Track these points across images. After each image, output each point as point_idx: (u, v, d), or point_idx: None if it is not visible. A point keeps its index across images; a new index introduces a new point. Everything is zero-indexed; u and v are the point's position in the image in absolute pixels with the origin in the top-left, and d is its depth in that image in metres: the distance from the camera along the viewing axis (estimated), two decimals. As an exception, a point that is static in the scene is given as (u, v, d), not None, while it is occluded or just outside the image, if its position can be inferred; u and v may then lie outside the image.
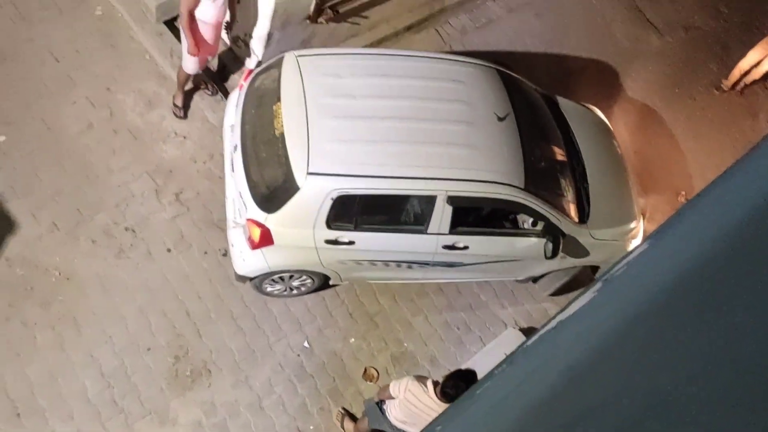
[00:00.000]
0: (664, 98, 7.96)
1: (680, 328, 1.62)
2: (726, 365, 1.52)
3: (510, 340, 5.78)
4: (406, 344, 5.96)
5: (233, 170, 5.31)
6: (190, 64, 5.86)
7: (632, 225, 6.06)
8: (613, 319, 1.77)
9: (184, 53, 5.78)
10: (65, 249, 5.60)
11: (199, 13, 5.52)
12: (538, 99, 6.15)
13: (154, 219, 5.88)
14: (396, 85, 5.37)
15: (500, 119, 5.40)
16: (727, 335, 1.55)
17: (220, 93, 6.58)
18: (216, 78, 6.71)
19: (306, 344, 5.74)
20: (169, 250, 5.79)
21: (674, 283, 1.67)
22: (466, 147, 5.22)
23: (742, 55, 7.89)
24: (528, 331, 6.00)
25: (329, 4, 6.42)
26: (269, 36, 6.19)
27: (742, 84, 8.05)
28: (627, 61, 8.11)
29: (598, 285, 2.38)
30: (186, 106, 6.35)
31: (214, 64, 6.66)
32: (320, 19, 6.47)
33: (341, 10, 6.59)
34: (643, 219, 6.31)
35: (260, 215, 5.02)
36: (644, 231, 6.19)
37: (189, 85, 6.32)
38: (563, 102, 6.43)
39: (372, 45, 7.15)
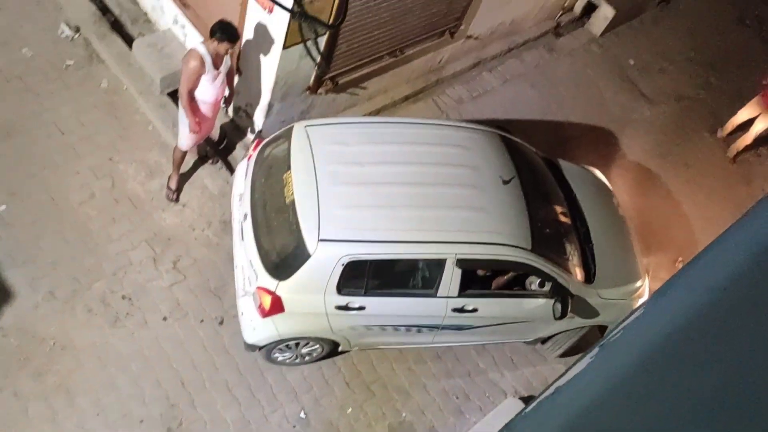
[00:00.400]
0: (659, 165, 8.08)
1: (673, 382, 1.62)
2: (715, 417, 1.52)
3: (509, 409, 5.66)
4: (404, 414, 5.84)
5: (242, 239, 5.36)
6: (188, 141, 5.94)
7: (638, 284, 6.07)
8: (609, 381, 1.77)
9: (182, 130, 5.86)
10: (61, 318, 5.57)
11: (199, 93, 5.63)
12: (540, 162, 6.27)
13: (151, 287, 5.87)
14: (402, 151, 5.48)
15: (505, 182, 5.50)
16: (715, 388, 1.55)
17: (221, 161, 6.68)
18: (216, 147, 6.82)
19: (302, 414, 5.62)
20: (165, 319, 5.75)
21: (667, 343, 1.69)
22: (473, 210, 5.28)
23: (728, 130, 8.17)
24: (527, 400, 5.88)
25: (329, 75, 6.59)
26: (270, 106, 6.34)
27: (735, 151, 8.21)
28: (621, 130, 8.26)
29: (595, 350, 2.37)
30: (179, 189, 6.38)
31: (215, 134, 6.78)
32: (320, 90, 6.63)
33: (340, 81, 6.77)
34: (648, 278, 6.32)
35: (271, 283, 5.02)
36: (649, 290, 6.18)
37: (184, 168, 6.39)
38: (564, 164, 6.57)
39: (370, 114, 7.31)
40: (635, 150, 8.13)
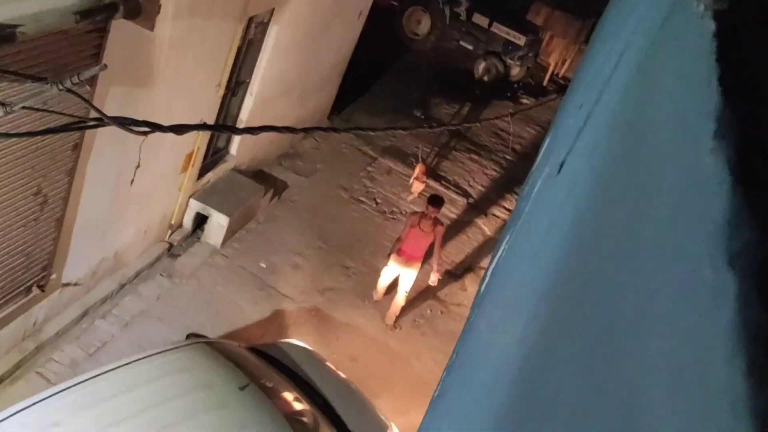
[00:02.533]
0: (334, 349, 7.49)
1: None
2: None
3: None
4: None
5: None
6: None
7: None
8: None
9: None
10: None
11: None
12: (252, 356, 6.02)
13: None
14: (126, 401, 4.79)
15: (241, 389, 5.21)
16: None
17: None
18: None
19: None
20: None
21: None
22: (233, 429, 4.95)
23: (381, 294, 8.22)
24: None
25: None
26: None
27: (393, 321, 8.11)
28: (281, 330, 7.53)
29: None
30: None
31: None
32: None
33: None
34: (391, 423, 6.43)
35: None
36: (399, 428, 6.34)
37: None
38: (278, 348, 6.47)
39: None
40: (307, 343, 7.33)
